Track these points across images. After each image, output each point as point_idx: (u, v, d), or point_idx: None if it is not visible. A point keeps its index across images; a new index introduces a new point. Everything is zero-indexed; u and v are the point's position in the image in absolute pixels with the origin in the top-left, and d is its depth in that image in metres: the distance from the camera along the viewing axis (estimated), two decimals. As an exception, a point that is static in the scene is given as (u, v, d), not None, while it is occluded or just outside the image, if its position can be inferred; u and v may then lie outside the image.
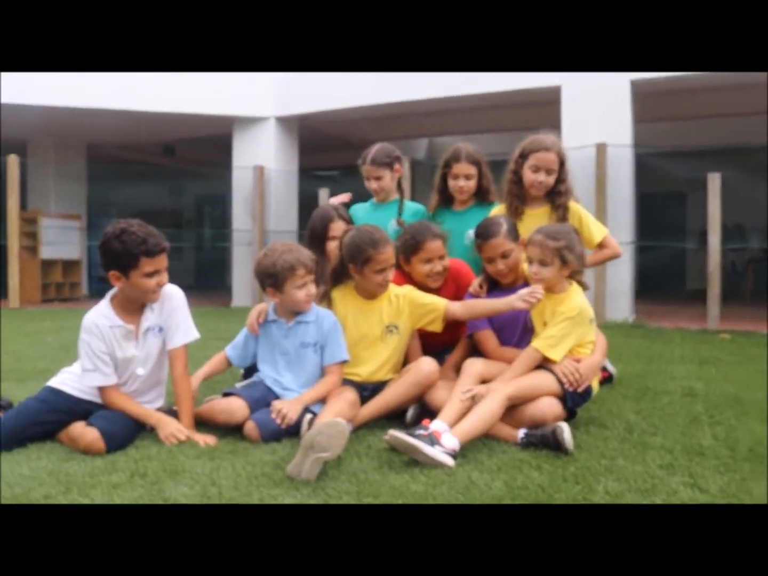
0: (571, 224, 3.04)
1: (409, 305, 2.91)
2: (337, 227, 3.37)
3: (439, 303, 2.88)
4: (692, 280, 12.26)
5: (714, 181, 6.83)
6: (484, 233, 2.88)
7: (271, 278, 2.77)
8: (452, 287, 3.12)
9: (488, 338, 2.91)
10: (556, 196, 3.23)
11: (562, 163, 3.22)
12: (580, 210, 3.30)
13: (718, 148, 9.15)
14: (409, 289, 2.96)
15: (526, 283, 2.89)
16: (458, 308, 2.85)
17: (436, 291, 3.07)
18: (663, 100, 8.37)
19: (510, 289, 2.92)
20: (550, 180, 3.21)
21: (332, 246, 3.34)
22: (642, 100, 7.60)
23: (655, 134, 9.22)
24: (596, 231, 3.30)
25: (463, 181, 3.40)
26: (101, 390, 2.64)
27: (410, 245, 3.03)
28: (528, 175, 3.21)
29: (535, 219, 3.18)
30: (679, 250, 11.11)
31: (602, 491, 2.04)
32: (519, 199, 3.26)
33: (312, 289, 2.80)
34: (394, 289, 2.96)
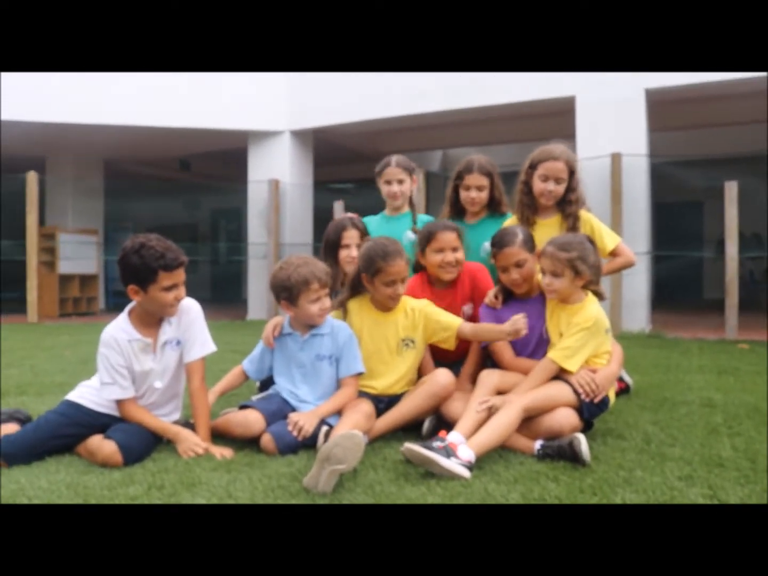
0: (584, 233, 3.03)
1: (424, 320, 2.91)
2: (350, 235, 3.40)
3: (453, 322, 2.88)
4: (710, 290, 12.17)
5: (731, 190, 6.79)
6: (500, 242, 2.89)
7: (286, 291, 2.79)
8: (469, 287, 3.14)
9: (504, 349, 2.90)
10: (567, 205, 3.23)
11: (571, 173, 3.21)
12: (592, 219, 3.29)
13: (735, 156, 9.09)
14: (425, 304, 2.96)
15: (542, 295, 2.89)
16: (468, 330, 2.86)
17: (452, 287, 3.13)
18: (678, 109, 8.35)
19: (525, 299, 2.92)
20: (560, 189, 3.21)
21: (344, 254, 3.39)
22: (656, 109, 7.58)
23: (670, 143, 9.20)
24: (609, 239, 3.29)
25: (475, 193, 3.42)
26: (119, 403, 2.65)
27: (424, 236, 3.11)
28: (537, 185, 3.22)
29: (547, 229, 3.19)
30: (696, 260, 11.03)
31: (620, 503, 2.02)
32: (530, 209, 3.27)
33: (326, 303, 2.81)
34: (410, 302, 2.96)
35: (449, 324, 2.88)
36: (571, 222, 3.20)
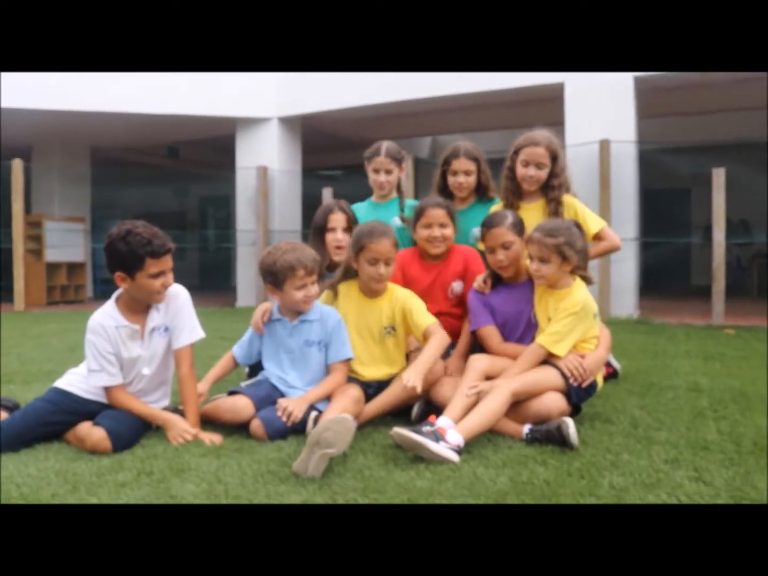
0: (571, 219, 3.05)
1: (401, 311, 2.91)
2: (336, 218, 3.43)
3: (423, 324, 2.84)
4: (697, 276, 12.25)
5: (718, 177, 6.82)
6: (489, 222, 2.91)
7: (272, 276, 2.80)
8: (461, 267, 3.18)
9: (492, 334, 2.91)
10: (549, 190, 3.24)
11: (554, 158, 3.22)
12: (576, 203, 3.30)
13: (723, 143, 9.13)
14: (409, 296, 2.94)
15: (530, 280, 2.90)
16: (429, 339, 2.82)
17: (442, 261, 3.18)
18: (666, 96, 8.36)
19: (513, 284, 2.93)
20: (542, 174, 3.23)
21: (330, 238, 3.42)
22: (645, 96, 7.59)
23: (658, 130, 9.21)
24: (593, 223, 3.29)
25: (463, 177, 3.45)
26: (107, 390, 2.65)
27: (416, 212, 3.18)
28: (519, 170, 3.25)
29: (530, 213, 3.21)
30: (683, 246, 11.11)
31: (607, 486, 2.04)
32: (514, 194, 3.30)
33: (311, 290, 2.81)
34: (396, 290, 2.96)
35: (418, 325, 2.85)
36: (554, 207, 3.21)
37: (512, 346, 2.86)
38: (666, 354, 4.72)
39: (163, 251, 2.59)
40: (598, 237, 3.32)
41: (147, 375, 2.71)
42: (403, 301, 2.91)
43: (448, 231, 3.13)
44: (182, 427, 2.60)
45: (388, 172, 3.66)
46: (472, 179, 3.46)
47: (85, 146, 11.66)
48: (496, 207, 3.34)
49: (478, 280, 2.99)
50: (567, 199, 3.28)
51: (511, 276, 2.93)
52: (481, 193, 3.52)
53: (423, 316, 2.85)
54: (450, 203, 3.22)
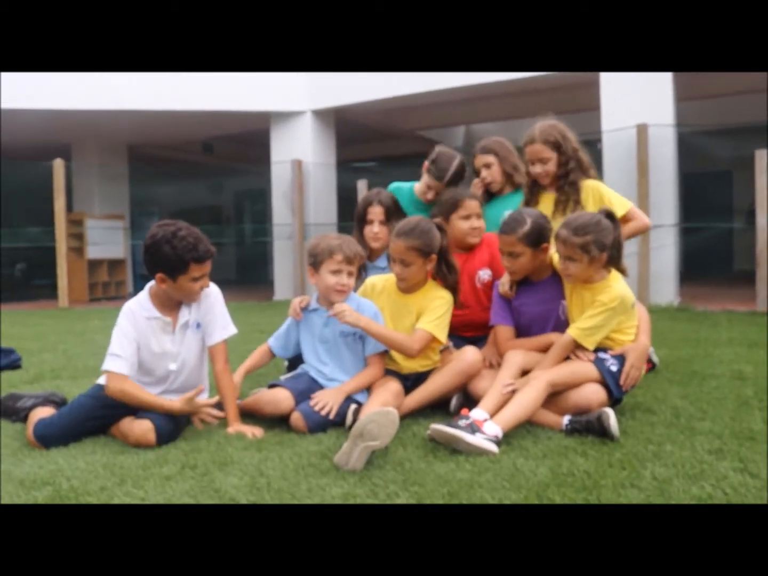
0: (590, 207, 3.07)
1: (425, 309, 2.88)
2: (374, 211, 3.45)
3: (417, 329, 2.82)
4: (740, 261, 11.96)
5: (762, 159, 6.66)
6: (504, 226, 2.84)
7: (312, 257, 2.85)
8: (488, 256, 3.20)
9: (502, 333, 2.92)
10: (559, 179, 3.22)
11: (557, 147, 3.18)
12: (599, 187, 3.23)
13: (765, 124, 8.89)
14: (437, 297, 2.88)
15: (555, 274, 2.87)
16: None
17: (472, 255, 3.21)
18: (704, 77, 8.16)
19: (537, 282, 2.90)
20: (549, 168, 3.21)
21: (367, 230, 3.47)
22: (683, 77, 7.43)
23: (697, 112, 9.01)
24: (618, 206, 3.21)
25: (485, 172, 3.52)
26: (114, 376, 2.58)
27: (450, 204, 3.18)
28: (529, 169, 3.28)
29: (547, 204, 3.23)
30: (725, 231, 10.83)
31: (649, 477, 2.02)
32: (532, 190, 3.33)
33: (345, 279, 2.81)
34: (433, 290, 2.91)
35: (415, 329, 2.83)
36: (566, 194, 3.19)
37: (519, 341, 2.87)
38: (708, 342, 4.63)
39: (208, 256, 2.63)
40: (625, 219, 3.24)
41: (174, 371, 2.74)
42: (430, 300, 2.88)
43: (483, 222, 3.20)
44: (197, 404, 2.57)
45: (487, 166, 3.56)
46: (495, 171, 3.52)
47: (122, 144, 11.84)
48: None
49: (504, 285, 2.95)
50: (588, 183, 3.23)
51: (516, 279, 2.90)
52: (513, 182, 3.56)
53: (427, 321, 2.81)
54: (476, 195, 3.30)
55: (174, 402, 2.59)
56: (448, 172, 3.42)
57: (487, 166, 3.52)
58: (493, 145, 3.54)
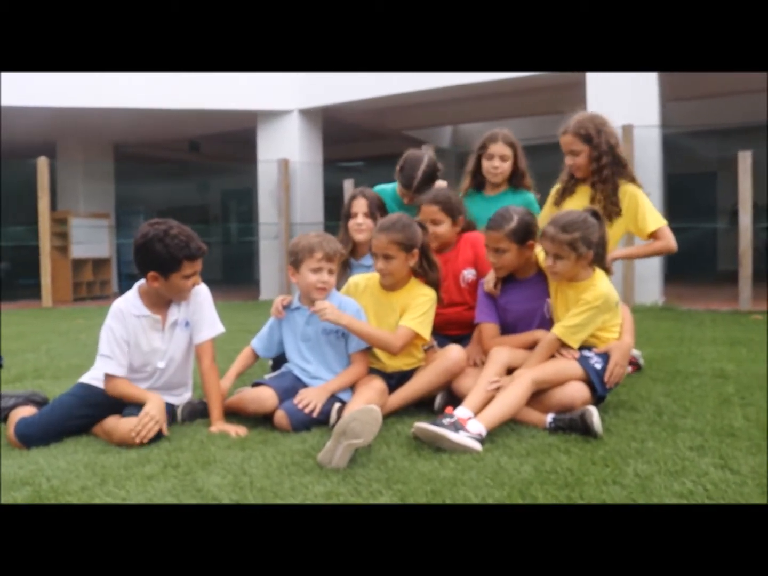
0: (590, 207, 3.03)
1: (407, 306, 2.88)
2: (358, 203, 3.48)
3: (402, 325, 2.82)
4: (723, 261, 12.07)
5: (745, 160, 6.73)
6: (491, 222, 2.84)
7: (293, 256, 2.85)
8: (471, 255, 3.17)
9: (486, 330, 2.93)
10: (593, 174, 3.22)
11: (588, 140, 3.17)
12: (638, 195, 3.22)
13: (748, 125, 8.95)
14: (419, 295, 2.87)
15: (540, 273, 2.88)
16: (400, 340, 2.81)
17: (454, 255, 3.17)
18: (690, 78, 8.22)
19: (522, 280, 2.92)
20: (580, 160, 3.21)
21: (351, 223, 3.49)
22: (668, 79, 7.48)
23: (682, 113, 9.07)
24: (652, 221, 3.20)
25: (498, 162, 3.45)
26: (110, 378, 2.62)
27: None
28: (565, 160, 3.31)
29: (579, 199, 3.24)
30: (709, 231, 10.91)
31: (632, 473, 2.03)
32: (567, 183, 3.36)
33: (325, 276, 2.80)
34: (416, 288, 2.91)
35: (398, 326, 2.83)
36: (599, 193, 3.19)
37: (500, 338, 2.88)
38: (692, 340, 4.66)
39: (200, 254, 2.63)
40: (654, 236, 3.23)
41: (161, 369, 2.73)
42: (413, 298, 2.87)
43: (442, 229, 3.12)
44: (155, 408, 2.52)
45: (503, 158, 3.50)
46: (507, 165, 3.46)
47: (108, 143, 11.78)
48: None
49: (489, 283, 2.96)
50: (628, 188, 3.22)
51: (510, 274, 2.91)
52: (516, 181, 3.50)
53: (409, 319, 2.81)
54: (448, 199, 3.14)
55: (154, 396, 2.59)
56: (415, 180, 3.45)
57: (503, 157, 3.44)
58: (514, 140, 3.46)
